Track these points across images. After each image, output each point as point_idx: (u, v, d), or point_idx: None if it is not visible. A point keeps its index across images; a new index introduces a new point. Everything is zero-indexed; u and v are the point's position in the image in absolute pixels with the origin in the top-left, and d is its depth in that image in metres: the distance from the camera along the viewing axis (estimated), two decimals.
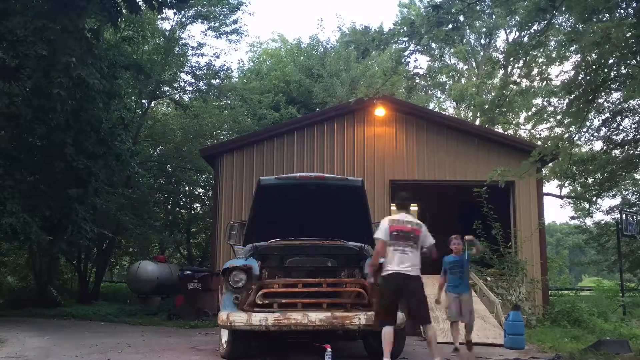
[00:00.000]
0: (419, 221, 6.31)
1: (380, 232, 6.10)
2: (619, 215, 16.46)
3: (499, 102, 10.22)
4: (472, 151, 13.10)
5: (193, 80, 20.70)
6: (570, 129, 8.78)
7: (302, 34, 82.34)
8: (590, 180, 19.28)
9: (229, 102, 22.63)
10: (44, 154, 12.23)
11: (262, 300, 6.34)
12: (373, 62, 27.03)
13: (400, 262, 5.96)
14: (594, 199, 21.08)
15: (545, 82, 10.77)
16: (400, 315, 6.47)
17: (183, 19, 19.96)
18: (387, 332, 5.83)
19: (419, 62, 48.89)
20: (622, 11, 8.35)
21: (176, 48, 19.77)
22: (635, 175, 19.90)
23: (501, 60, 16.79)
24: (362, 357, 7.12)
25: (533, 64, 9.73)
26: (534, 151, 8.98)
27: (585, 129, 11.16)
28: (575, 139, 9.49)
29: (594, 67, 8.18)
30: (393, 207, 13.35)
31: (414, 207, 17.48)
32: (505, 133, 21.83)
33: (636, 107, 15.86)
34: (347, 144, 13.21)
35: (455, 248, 7.99)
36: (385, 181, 12.97)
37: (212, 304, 11.55)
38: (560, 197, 24.09)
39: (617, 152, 17.23)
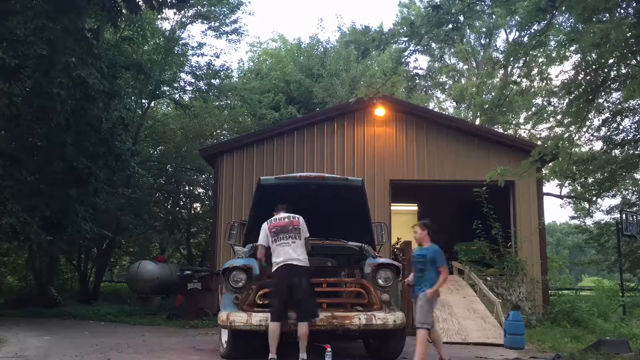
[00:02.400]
0: (295, 215, 6.49)
1: (260, 238, 6.42)
2: (619, 215, 16.46)
3: (499, 102, 10.21)
4: (472, 151, 13.10)
5: (193, 80, 20.71)
6: (570, 128, 8.77)
7: (302, 34, 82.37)
8: (590, 180, 19.33)
9: (229, 102, 22.62)
10: (44, 154, 12.23)
11: (262, 300, 6.34)
12: (373, 62, 27.03)
13: (286, 254, 6.18)
14: (594, 198, 21.11)
15: (545, 82, 10.76)
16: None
17: (183, 19, 19.97)
18: (274, 327, 6.00)
19: (419, 62, 48.93)
20: (622, 11, 8.36)
21: (176, 48, 19.75)
22: (635, 175, 19.94)
23: (501, 60, 16.76)
24: (362, 357, 7.12)
25: (533, 64, 9.73)
26: (533, 151, 8.98)
27: (585, 129, 11.16)
28: (575, 139, 9.49)
29: (594, 67, 8.18)
30: (394, 207, 13.43)
31: (413, 207, 17.49)
32: (505, 133, 21.84)
33: (636, 107, 15.91)
34: (347, 144, 13.21)
35: (417, 238, 6.56)
36: (385, 181, 12.97)
37: (212, 304, 11.55)
38: (560, 197, 24.10)
39: (617, 152, 17.28)
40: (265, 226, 6.44)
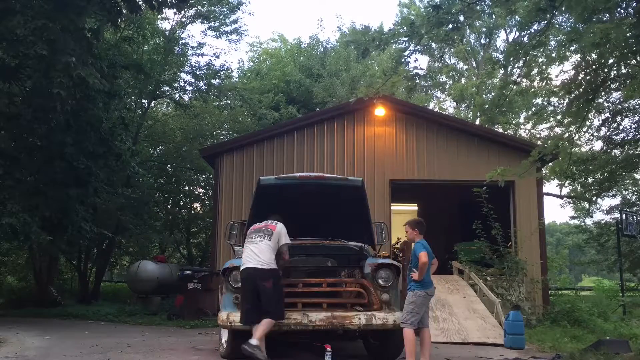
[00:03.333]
0: (277, 222, 6.49)
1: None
2: (619, 215, 16.45)
3: (499, 102, 10.21)
4: (472, 151, 13.09)
5: (193, 80, 20.71)
6: (570, 128, 8.78)
7: (302, 34, 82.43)
8: (590, 180, 19.33)
9: (229, 102, 22.64)
10: (44, 154, 12.24)
11: None
12: (373, 62, 27.03)
13: (248, 255, 6.21)
14: (594, 198, 21.11)
15: (545, 82, 10.76)
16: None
17: (183, 19, 19.99)
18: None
19: (419, 62, 48.99)
20: (622, 11, 8.36)
21: (176, 48, 19.77)
22: (635, 175, 19.95)
23: (501, 60, 16.76)
24: (362, 357, 7.12)
25: (533, 64, 9.73)
26: (533, 151, 8.98)
27: (585, 129, 11.16)
28: (575, 139, 9.49)
29: (594, 67, 8.18)
30: (394, 207, 13.43)
31: (413, 207, 17.50)
32: (505, 133, 21.84)
33: (636, 107, 15.90)
34: (347, 144, 13.20)
35: (409, 238, 6.62)
36: (385, 181, 12.96)
37: (212, 304, 11.55)
38: (560, 197, 24.11)
39: (617, 152, 17.27)
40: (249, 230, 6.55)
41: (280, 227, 6.38)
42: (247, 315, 6.06)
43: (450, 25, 8.29)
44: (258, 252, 6.18)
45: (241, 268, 6.24)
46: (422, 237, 6.45)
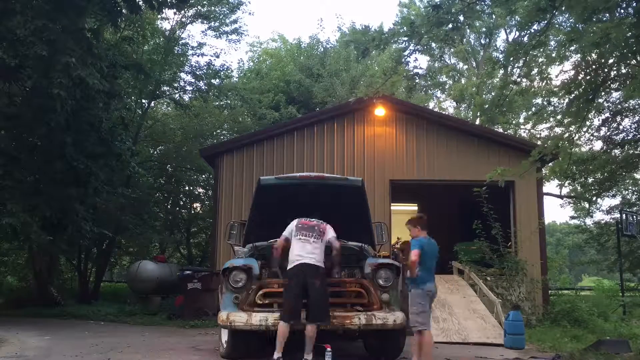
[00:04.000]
0: (324, 222, 6.59)
1: (285, 231, 6.48)
2: (619, 215, 16.45)
3: (499, 102, 10.22)
4: (472, 151, 13.10)
5: (193, 80, 20.71)
6: (570, 128, 8.78)
7: (302, 34, 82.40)
8: (590, 180, 19.32)
9: (229, 102, 22.64)
10: (44, 154, 12.24)
11: (262, 300, 6.35)
12: (373, 62, 27.04)
13: (303, 250, 6.21)
14: (594, 198, 21.10)
15: (545, 82, 10.77)
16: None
17: (183, 19, 19.99)
18: (283, 328, 5.97)
19: (419, 62, 49.00)
20: (622, 11, 8.36)
21: (176, 48, 19.77)
22: (635, 175, 19.94)
23: (501, 60, 16.77)
24: (362, 357, 7.12)
25: (533, 64, 9.73)
26: (533, 151, 8.99)
27: (585, 129, 11.15)
28: (575, 139, 9.49)
29: (594, 67, 8.18)
30: (394, 207, 13.44)
31: (413, 207, 17.49)
32: (505, 133, 21.83)
33: (636, 107, 15.89)
34: (347, 144, 13.21)
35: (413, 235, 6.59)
36: (385, 181, 12.97)
37: (212, 304, 11.55)
38: (560, 197, 24.10)
39: (617, 152, 17.26)
40: (294, 222, 6.51)
41: (329, 228, 6.50)
42: (291, 313, 6.00)
43: (450, 25, 8.29)
44: (312, 249, 6.24)
45: (292, 264, 6.18)
46: (425, 233, 6.42)
